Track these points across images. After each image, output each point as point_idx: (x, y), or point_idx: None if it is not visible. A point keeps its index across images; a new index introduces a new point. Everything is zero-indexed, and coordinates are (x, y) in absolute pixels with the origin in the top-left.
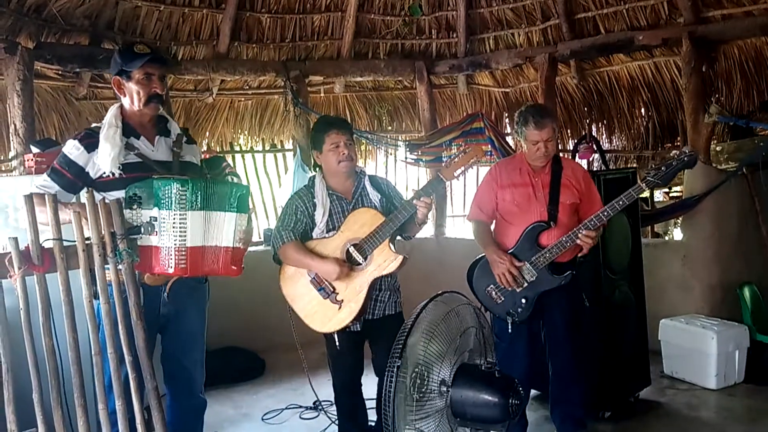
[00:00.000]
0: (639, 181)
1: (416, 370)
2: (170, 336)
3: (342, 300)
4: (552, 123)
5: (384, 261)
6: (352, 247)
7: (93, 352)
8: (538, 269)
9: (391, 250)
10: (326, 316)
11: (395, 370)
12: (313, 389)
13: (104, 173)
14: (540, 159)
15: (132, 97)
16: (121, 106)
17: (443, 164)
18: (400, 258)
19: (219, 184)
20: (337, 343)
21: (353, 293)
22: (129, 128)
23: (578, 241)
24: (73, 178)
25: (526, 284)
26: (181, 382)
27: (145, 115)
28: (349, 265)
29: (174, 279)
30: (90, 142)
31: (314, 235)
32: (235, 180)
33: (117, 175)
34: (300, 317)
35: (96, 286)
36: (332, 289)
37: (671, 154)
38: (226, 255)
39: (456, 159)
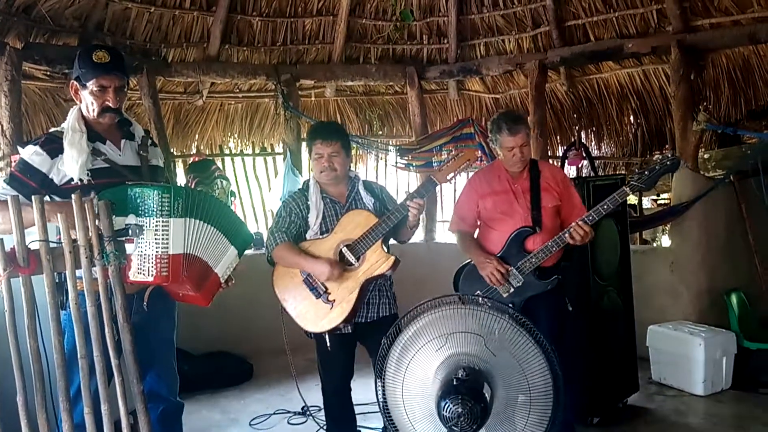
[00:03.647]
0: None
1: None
2: (142, 345)
3: (334, 300)
4: (525, 128)
5: (376, 261)
6: (345, 248)
7: (56, 364)
8: (524, 274)
9: (383, 251)
10: (318, 315)
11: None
12: (300, 394)
13: (71, 180)
14: (516, 164)
15: (87, 106)
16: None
17: (435, 168)
18: (392, 258)
19: (219, 203)
20: (328, 344)
21: (345, 293)
22: (94, 133)
23: (570, 233)
24: (37, 187)
25: (512, 289)
26: (156, 389)
27: (104, 123)
28: (341, 265)
29: (152, 287)
30: (53, 147)
31: (308, 236)
32: (224, 183)
33: (86, 182)
34: (292, 317)
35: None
36: (324, 289)
37: (655, 158)
38: (213, 279)
39: (449, 162)
